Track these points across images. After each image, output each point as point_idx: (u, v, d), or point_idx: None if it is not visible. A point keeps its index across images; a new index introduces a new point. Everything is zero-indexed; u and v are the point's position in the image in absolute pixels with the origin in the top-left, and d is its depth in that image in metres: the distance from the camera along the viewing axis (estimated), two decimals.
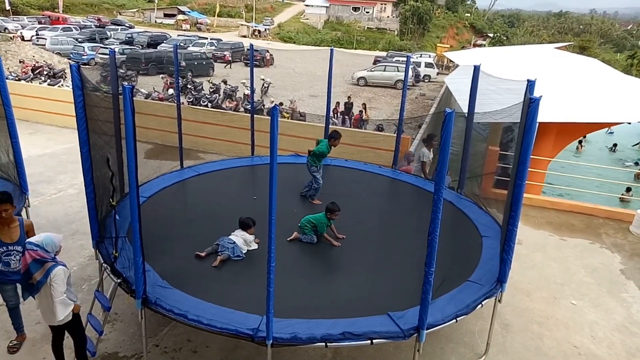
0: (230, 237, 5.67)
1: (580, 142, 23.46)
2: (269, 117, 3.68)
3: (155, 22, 61.99)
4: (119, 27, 46.42)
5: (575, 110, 11.67)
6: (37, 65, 22.46)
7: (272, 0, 77.97)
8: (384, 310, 4.64)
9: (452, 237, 6.23)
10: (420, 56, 39.00)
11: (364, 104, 19.51)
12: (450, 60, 34.49)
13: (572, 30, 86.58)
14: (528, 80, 5.14)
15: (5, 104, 6.45)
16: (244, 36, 54.50)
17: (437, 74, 35.35)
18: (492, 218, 6.85)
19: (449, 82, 17.59)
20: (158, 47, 33.67)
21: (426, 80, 33.73)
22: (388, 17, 69.52)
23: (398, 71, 29.63)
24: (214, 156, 11.56)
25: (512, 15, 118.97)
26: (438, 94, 25.67)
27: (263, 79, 23.15)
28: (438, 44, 57.06)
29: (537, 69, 14.58)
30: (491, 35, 79.00)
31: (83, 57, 28.23)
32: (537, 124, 4.63)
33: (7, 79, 7.91)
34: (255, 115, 9.61)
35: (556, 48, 26.26)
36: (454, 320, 4.69)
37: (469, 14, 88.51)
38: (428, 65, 35.65)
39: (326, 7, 70.04)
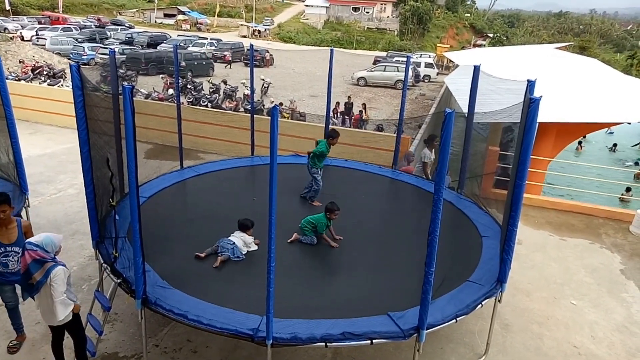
0: (229, 238, 5.67)
1: (580, 142, 23.48)
2: (269, 117, 3.69)
3: (155, 22, 61.99)
4: (119, 27, 46.38)
5: (575, 110, 11.69)
6: (37, 65, 22.45)
7: (272, 1, 77.98)
8: (384, 310, 4.64)
9: (452, 237, 6.23)
10: (420, 56, 38.95)
11: (364, 104, 19.51)
12: (450, 61, 34.53)
13: (572, 31, 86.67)
14: (528, 81, 5.15)
15: (5, 104, 6.44)
16: (244, 36, 54.48)
17: (437, 74, 35.32)
18: (492, 218, 6.85)
19: (449, 82, 17.61)
20: (158, 47, 33.64)
21: (426, 81, 33.72)
22: (388, 17, 69.52)
23: (398, 71, 29.61)
24: (214, 156, 11.56)
25: (512, 15, 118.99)
26: (438, 94, 25.68)
27: (263, 79, 23.13)
28: (438, 44, 56.98)
29: (537, 69, 14.59)
30: (491, 35, 79.01)
31: (83, 57, 28.19)
32: (537, 124, 4.63)
33: (7, 79, 7.92)
34: (255, 116, 9.60)
35: (556, 48, 26.31)
36: (454, 320, 4.69)
37: (468, 14, 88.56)
38: (428, 65, 35.63)
39: (326, 7, 70.03)
